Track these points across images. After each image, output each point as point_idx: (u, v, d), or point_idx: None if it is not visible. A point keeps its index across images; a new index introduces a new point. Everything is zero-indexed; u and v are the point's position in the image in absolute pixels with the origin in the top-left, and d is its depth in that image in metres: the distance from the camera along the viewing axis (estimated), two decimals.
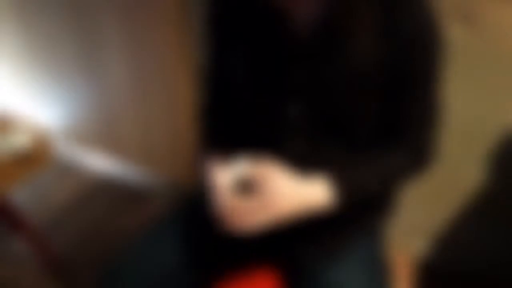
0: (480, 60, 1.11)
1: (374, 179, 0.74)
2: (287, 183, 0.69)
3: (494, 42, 1.07)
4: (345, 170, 0.74)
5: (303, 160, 0.80)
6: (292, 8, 0.69)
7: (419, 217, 1.49)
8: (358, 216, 0.83)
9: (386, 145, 0.78)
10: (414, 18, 0.65)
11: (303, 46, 0.71)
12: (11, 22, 1.90)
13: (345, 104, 0.72)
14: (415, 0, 0.66)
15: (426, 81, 0.71)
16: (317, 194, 0.70)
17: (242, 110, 0.87)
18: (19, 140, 1.06)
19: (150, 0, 1.46)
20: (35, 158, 1.09)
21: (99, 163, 2.16)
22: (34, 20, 1.82)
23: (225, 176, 0.73)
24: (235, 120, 0.89)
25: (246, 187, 0.71)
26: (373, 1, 0.65)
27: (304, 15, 0.69)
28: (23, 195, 1.93)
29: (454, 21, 1.08)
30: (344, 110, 0.73)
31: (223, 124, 0.90)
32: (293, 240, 0.83)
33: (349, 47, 0.68)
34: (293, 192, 0.69)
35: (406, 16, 0.65)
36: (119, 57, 1.70)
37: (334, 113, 0.74)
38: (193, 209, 0.90)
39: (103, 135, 2.04)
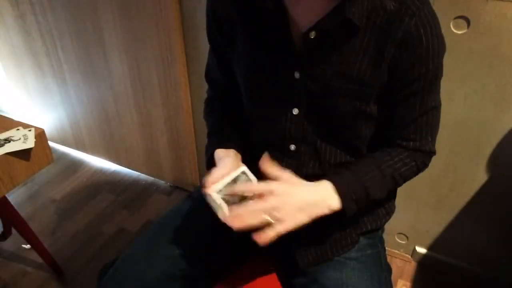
0: (480, 60, 1.11)
1: (382, 182, 0.74)
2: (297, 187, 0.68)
3: (494, 42, 1.08)
4: (352, 173, 0.73)
5: (304, 162, 0.80)
6: (294, 7, 0.69)
7: (418, 218, 1.49)
8: (358, 216, 0.83)
9: (389, 146, 0.78)
10: (413, 18, 0.65)
11: (303, 47, 0.70)
12: (11, 22, 1.90)
13: (344, 105, 0.72)
14: (414, 1, 0.66)
15: (427, 80, 0.71)
16: (329, 196, 0.69)
17: (242, 110, 0.87)
18: (19, 140, 1.06)
19: (151, 14, 1.47)
20: (35, 158, 1.09)
21: (99, 163, 2.16)
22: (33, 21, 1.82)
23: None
24: (235, 119, 0.89)
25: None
26: (374, 1, 0.65)
27: (305, 14, 0.69)
28: (23, 195, 1.94)
29: (454, 21, 1.08)
30: (343, 111, 0.73)
31: (224, 119, 0.90)
32: (294, 240, 0.83)
33: (349, 48, 0.68)
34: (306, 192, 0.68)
35: (405, 16, 0.65)
36: (121, 57, 1.70)
37: (333, 114, 0.74)
38: (192, 209, 0.90)
39: (103, 135, 2.04)
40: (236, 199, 0.68)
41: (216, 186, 0.68)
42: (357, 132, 0.76)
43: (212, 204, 0.69)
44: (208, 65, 0.93)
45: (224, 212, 0.67)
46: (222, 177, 0.70)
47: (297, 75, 0.72)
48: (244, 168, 0.73)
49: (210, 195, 0.68)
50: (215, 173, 0.71)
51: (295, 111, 0.75)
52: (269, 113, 0.80)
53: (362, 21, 0.65)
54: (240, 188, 0.68)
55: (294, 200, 0.65)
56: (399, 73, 0.69)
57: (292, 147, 0.79)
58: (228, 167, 0.72)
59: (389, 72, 0.69)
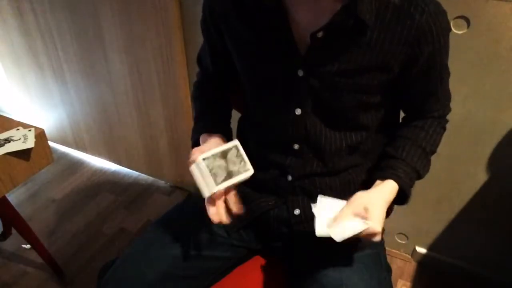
0: (480, 60, 1.11)
1: (427, 158, 0.80)
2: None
3: (494, 42, 1.07)
4: (403, 161, 0.77)
5: (308, 161, 0.80)
6: (297, 7, 0.69)
7: (418, 218, 1.49)
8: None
9: (417, 119, 0.82)
10: (424, 15, 0.66)
11: (309, 46, 0.70)
12: (11, 22, 1.90)
13: (349, 99, 0.72)
14: None
15: (439, 61, 0.73)
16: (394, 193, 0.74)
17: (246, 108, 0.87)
18: (19, 140, 1.06)
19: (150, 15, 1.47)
20: (35, 158, 1.09)
21: (99, 163, 2.16)
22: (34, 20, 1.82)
23: None
24: (223, 105, 0.92)
25: None
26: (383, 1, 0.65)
27: (309, 14, 0.69)
28: (23, 195, 1.93)
29: (454, 20, 1.08)
30: (347, 105, 0.73)
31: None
32: (294, 240, 0.83)
33: (356, 45, 0.68)
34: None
35: (416, 13, 0.65)
36: (121, 57, 1.70)
37: (337, 109, 0.74)
38: (192, 209, 0.90)
39: (103, 135, 2.04)
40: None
41: (203, 155, 0.68)
42: (359, 124, 0.77)
43: (197, 176, 0.68)
44: (201, 50, 0.93)
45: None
46: (210, 150, 0.70)
47: (300, 73, 0.72)
48: (236, 142, 0.72)
49: (198, 163, 0.67)
50: (203, 146, 0.75)
51: (298, 111, 0.75)
52: (272, 114, 0.80)
53: (371, 20, 0.66)
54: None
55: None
56: (413, 64, 0.71)
57: (296, 146, 0.79)
58: (216, 143, 0.76)
59: (400, 65, 0.70)
